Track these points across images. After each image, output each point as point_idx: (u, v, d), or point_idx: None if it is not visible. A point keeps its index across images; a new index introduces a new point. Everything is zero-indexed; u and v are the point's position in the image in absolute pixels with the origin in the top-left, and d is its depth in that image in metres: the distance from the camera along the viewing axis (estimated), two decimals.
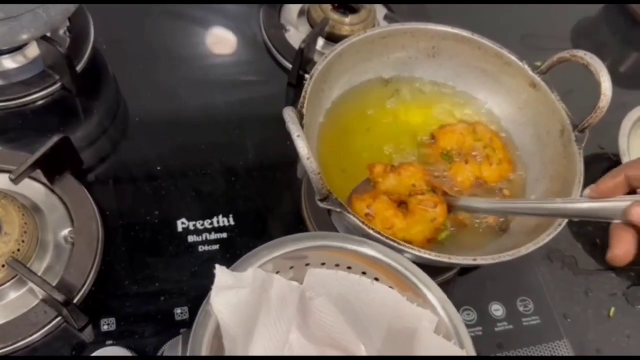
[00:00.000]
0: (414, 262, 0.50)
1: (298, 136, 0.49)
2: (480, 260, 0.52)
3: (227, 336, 0.43)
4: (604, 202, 0.47)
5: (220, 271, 0.44)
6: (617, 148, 0.80)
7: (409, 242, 0.52)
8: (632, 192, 0.48)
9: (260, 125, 0.78)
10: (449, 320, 0.47)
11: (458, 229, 0.62)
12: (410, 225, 0.55)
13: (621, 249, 0.45)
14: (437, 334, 0.46)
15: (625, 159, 0.77)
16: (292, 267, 0.50)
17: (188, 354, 0.42)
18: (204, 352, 0.42)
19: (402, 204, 0.59)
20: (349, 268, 0.51)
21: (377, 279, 0.50)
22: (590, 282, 0.75)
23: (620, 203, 0.46)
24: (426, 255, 0.51)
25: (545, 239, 0.54)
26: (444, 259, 0.52)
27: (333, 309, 0.49)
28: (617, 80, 1.00)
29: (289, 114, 0.50)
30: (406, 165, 0.59)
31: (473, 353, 0.45)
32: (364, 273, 0.51)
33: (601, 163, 0.87)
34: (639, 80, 1.04)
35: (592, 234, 0.79)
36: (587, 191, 0.49)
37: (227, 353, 0.43)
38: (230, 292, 0.43)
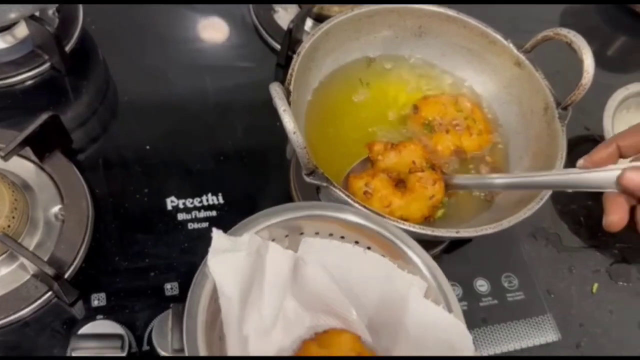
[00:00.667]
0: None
1: (284, 110, 0.50)
2: (463, 233, 0.53)
3: (223, 295, 0.44)
4: (597, 171, 0.49)
5: (217, 234, 0.44)
6: (602, 129, 0.81)
7: (406, 220, 0.52)
8: None
9: (249, 105, 0.79)
10: (437, 285, 0.48)
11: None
12: (409, 202, 0.56)
13: (616, 215, 0.47)
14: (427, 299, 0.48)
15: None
16: (287, 236, 0.51)
17: (185, 314, 0.42)
18: (201, 313, 0.42)
19: (399, 183, 0.59)
20: (342, 237, 0.52)
21: (369, 248, 0.51)
22: (574, 259, 0.76)
23: (612, 172, 0.47)
24: (410, 228, 0.52)
25: (526, 212, 0.55)
26: (427, 231, 0.53)
27: (326, 276, 0.50)
28: (605, 63, 1.03)
29: (276, 89, 0.51)
30: (406, 143, 0.59)
31: (461, 317, 0.46)
32: (356, 242, 0.52)
33: (587, 143, 0.88)
34: (625, 63, 1.05)
35: (576, 212, 0.80)
36: (581, 162, 0.50)
37: (223, 312, 0.44)
38: (226, 255, 0.44)
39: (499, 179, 0.59)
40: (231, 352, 0.44)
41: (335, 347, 0.48)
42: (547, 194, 0.56)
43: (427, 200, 0.56)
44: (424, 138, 0.67)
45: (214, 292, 0.44)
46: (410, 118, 0.68)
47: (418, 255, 0.49)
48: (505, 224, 0.54)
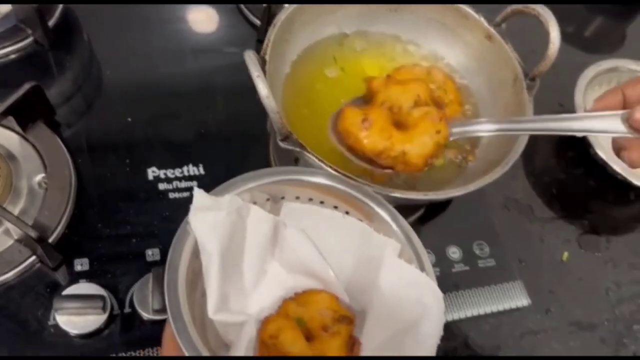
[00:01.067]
0: None
1: (257, 76, 0.51)
2: (431, 195, 0.55)
3: (204, 251, 0.45)
4: (603, 114, 0.50)
5: (198, 193, 0.46)
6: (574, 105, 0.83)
7: (408, 155, 0.50)
8: None
9: (231, 82, 0.80)
10: (410, 246, 0.50)
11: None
12: (413, 136, 0.52)
13: (636, 151, 0.49)
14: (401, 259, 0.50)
15: (580, 112, 0.80)
16: (268, 200, 0.53)
17: (166, 270, 0.43)
18: (182, 267, 0.44)
19: (398, 125, 0.55)
20: (322, 202, 0.54)
21: (347, 213, 0.53)
22: (545, 229, 0.79)
23: (618, 114, 0.49)
24: (381, 191, 0.54)
25: (492, 176, 0.57)
26: (397, 193, 0.55)
27: (306, 239, 0.52)
28: (581, 43, 1.05)
29: (250, 56, 0.53)
30: (410, 78, 0.55)
31: (432, 275, 0.48)
32: (335, 207, 0.54)
33: None
34: (601, 43, 1.07)
35: (548, 184, 0.83)
36: (590, 105, 0.53)
37: (204, 267, 0.45)
38: (207, 212, 0.45)
39: (507, 124, 0.60)
40: (211, 309, 0.46)
41: (313, 306, 0.49)
42: (511, 161, 0.59)
43: (433, 134, 0.52)
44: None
45: (195, 249, 0.45)
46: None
47: (392, 217, 0.51)
48: (471, 187, 0.56)
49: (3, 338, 0.57)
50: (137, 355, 0.58)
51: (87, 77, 0.77)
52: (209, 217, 0.46)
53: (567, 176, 0.85)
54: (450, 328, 0.68)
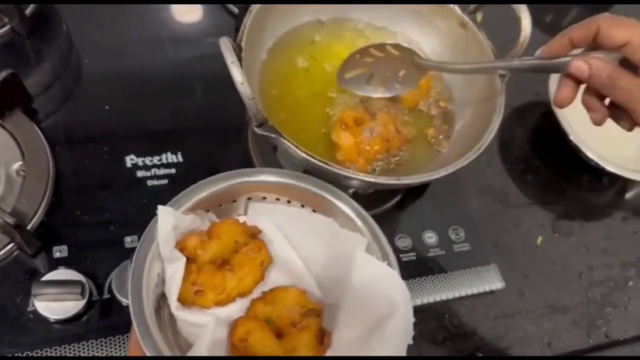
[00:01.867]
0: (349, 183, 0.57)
1: (232, 62, 0.52)
2: (404, 180, 0.56)
3: (171, 259, 0.47)
4: (550, 59, 0.57)
5: (162, 211, 0.47)
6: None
7: (242, 295, 0.51)
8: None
9: (209, 68, 0.80)
10: (375, 240, 0.51)
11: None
12: (242, 278, 0.51)
13: (565, 92, 0.55)
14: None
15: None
16: (234, 201, 0.54)
17: (129, 278, 0.45)
18: (146, 275, 0.45)
19: (224, 265, 0.52)
20: (289, 201, 0.55)
21: (314, 211, 0.55)
22: (520, 215, 0.80)
23: (562, 58, 0.55)
24: (355, 176, 0.55)
25: (465, 160, 0.58)
26: (371, 178, 0.56)
27: (276, 231, 0.53)
28: (558, 32, 1.06)
29: (224, 42, 0.53)
30: (220, 225, 0.52)
31: (395, 266, 0.49)
32: (302, 206, 0.55)
33: (536, 108, 0.92)
34: None
35: (523, 170, 0.85)
36: (538, 51, 0.58)
37: (169, 273, 0.47)
38: (172, 233, 0.47)
39: (465, 65, 0.65)
40: (174, 305, 0.46)
41: (280, 303, 0.50)
42: (485, 144, 0.60)
43: (258, 267, 0.52)
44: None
45: (159, 254, 0.47)
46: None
47: (357, 214, 0.53)
48: (443, 171, 0.57)
49: None
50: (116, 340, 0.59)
51: (66, 65, 0.77)
52: (174, 237, 0.48)
53: (542, 163, 0.86)
54: (426, 311, 0.69)
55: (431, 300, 0.69)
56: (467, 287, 0.71)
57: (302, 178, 0.53)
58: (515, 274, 0.75)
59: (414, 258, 0.71)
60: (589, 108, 0.55)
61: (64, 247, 0.63)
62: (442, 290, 0.70)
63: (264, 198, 0.55)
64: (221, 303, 0.49)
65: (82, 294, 0.57)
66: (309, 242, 0.53)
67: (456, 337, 0.69)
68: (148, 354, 0.42)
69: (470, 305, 0.71)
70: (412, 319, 0.45)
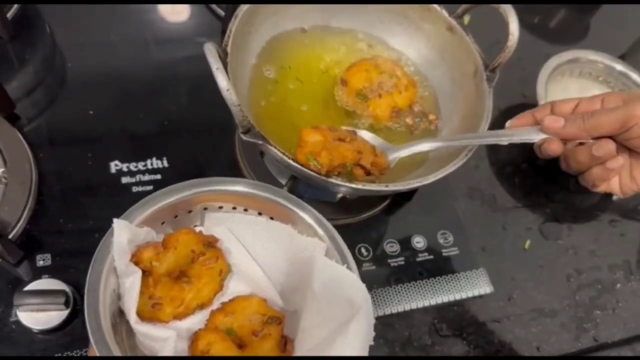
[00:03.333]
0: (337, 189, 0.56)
1: (217, 69, 0.51)
2: (392, 187, 0.56)
3: (127, 273, 0.47)
4: (521, 130, 0.64)
5: (117, 224, 0.47)
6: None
7: (201, 306, 0.50)
8: None
9: (195, 71, 0.79)
10: (334, 245, 0.52)
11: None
12: (200, 289, 0.50)
13: (553, 143, 0.62)
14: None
15: (541, 103, 0.82)
16: (190, 212, 0.54)
17: (86, 294, 0.44)
18: (102, 285, 0.45)
19: (180, 277, 0.51)
20: (246, 210, 0.55)
21: (272, 218, 0.55)
22: (508, 218, 0.80)
23: (533, 128, 0.64)
24: (343, 184, 0.55)
25: (451, 167, 0.58)
26: (358, 185, 0.55)
27: (234, 240, 0.53)
28: (545, 34, 1.06)
29: (209, 48, 0.53)
30: (176, 235, 0.52)
31: (355, 269, 0.50)
32: (259, 213, 0.55)
33: (524, 110, 0.91)
34: (564, 34, 1.09)
35: (511, 174, 0.85)
36: (508, 123, 0.66)
37: (125, 287, 0.47)
38: (127, 247, 0.47)
39: (438, 142, 0.62)
40: (132, 318, 0.46)
41: (240, 313, 0.50)
42: (471, 151, 0.60)
43: (217, 277, 0.51)
44: (362, 107, 0.69)
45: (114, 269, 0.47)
46: (343, 92, 0.69)
47: (315, 220, 0.53)
48: (431, 178, 0.57)
49: None
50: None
51: (49, 69, 0.76)
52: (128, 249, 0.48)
53: (530, 166, 0.86)
54: (415, 315, 0.69)
55: (420, 305, 0.69)
56: (456, 291, 0.71)
57: (258, 186, 0.53)
58: (503, 278, 0.75)
59: (403, 263, 0.71)
60: (548, 142, 0.63)
61: (48, 256, 0.62)
62: (431, 296, 0.70)
63: (221, 207, 0.55)
64: (180, 316, 0.49)
65: (66, 303, 0.57)
66: (268, 249, 0.54)
67: (445, 342, 0.69)
68: None
69: (459, 309, 0.71)
70: (373, 320, 0.46)
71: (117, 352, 0.42)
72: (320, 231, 0.52)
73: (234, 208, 0.54)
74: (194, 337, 0.48)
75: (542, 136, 0.62)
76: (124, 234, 0.47)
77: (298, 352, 0.48)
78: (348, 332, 0.44)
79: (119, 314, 0.48)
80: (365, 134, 0.63)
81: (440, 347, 0.68)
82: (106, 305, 0.45)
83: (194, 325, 0.49)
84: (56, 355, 0.57)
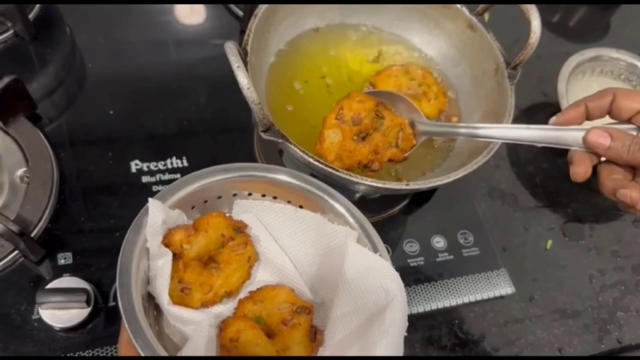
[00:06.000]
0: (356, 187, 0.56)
1: (238, 67, 0.51)
2: (413, 185, 0.56)
3: (160, 254, 0.47)
4: (565, 129, 0.54)
5: (153, 204, 0.47)
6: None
7: (229, 294, 0.50)
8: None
9: (214, 71, 0.80)
10: (365, 234, 0.51)
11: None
12: (229, 275, 0.50)
13: (582, 167, 0.52)
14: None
15: (563, 102, 0.81)
16: (219, 197, 0.53)
17: (118, 274, 0.44)
18: (134, 270, 0.44)
19: (209, 262, 0.51)
20: (275, 198, 0.54)
21: (301, 207, 0.54)
22: (529, 218, 0.79)
23: (579, 132, 0.53)
24: (363, 182, 0.55)
25: (473, 166, 0.57)
26: (379, 184, 0.55)
27: (262, 228, 0.53)
28: (566, 33, 1.05)
29: (230, 47, 0.53)
30: (207, 218, 0.51)
31: (387, 258, 0.49)
32: (288, 202, 0.54)
33: (545, 109, 0.91)
34: (584, 32, 1.08)
35: (532, 173, 0.84)
36: (553, 119, 0.54)
37: (159, 268, 0.46)
38: (161, 228, 0.47)
39: (469, 129, 0.58)
40: (165, 300, 0.46)
41: (268, 301, 0.50)
42: (492, 150, 0.59)
43: (245, 264, 0.51)
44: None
45: (146, 251, 0.47)
46: None
47: (346, 209, 0.52)
48: (452, 176, 0.56)
49: None
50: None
51: (69, 70, 0.76)
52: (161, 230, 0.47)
53: (551, 165, 0.85)
54: (435, 316, 0.68)
55: (440, 306, 0.68)
56: (476, 292, 0.70)
57: (289, 174, 0.53)
58: (524, 279, 0.74)
59: (423, 263, 0.70)
60: (578, 162, 0.53)
61: (69, 254, 0.62)
62: (451, 296, 0.69)
63: (249, 195, 0.54)
64: (208, 303, 0.48)
65: (87, 301, 0.57)
66: (297, 239, 0.53)
67: (465, 343, 0.68)
68: (141, 353, 0.41)
69: (480, 310, 0.70)
70: (407, 309, 0.45)
71: (149, 333, 0.41)
72: (351, 220, 0.51)
73: (263, 195, 0.54)
74: (223, 325, 0.47)
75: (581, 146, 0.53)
76: (158, 213, 0.46)
77: (329, 342, 0.48)
78: (384, 320, 0.44)
79: (147, 298, 0.47)
80: (402, 103, 0.62)
81: (461, 348, 0.68)
82: (138, 286, 0.44)
83: (222, 313, 0.49)
84: (77, 353, 0.57)
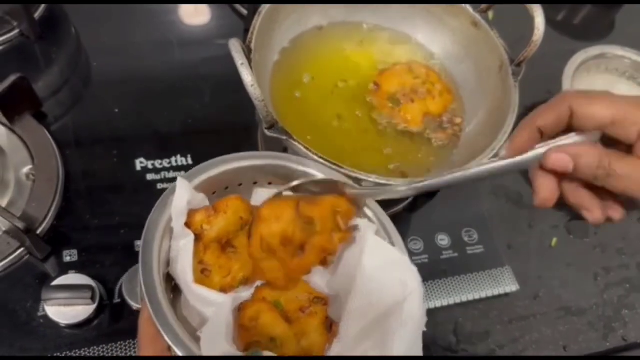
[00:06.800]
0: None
1: (242, 64, 0.51)
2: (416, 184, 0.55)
3: (183, 234, 0.47)
4: (521, 157, 0.44)
5: (181, 182, 0.48)
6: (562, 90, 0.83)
7: (245, 280, 0.49)
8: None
9: (218, 70, 0.80)
10: (382, 227, 0.51)
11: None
12: (247, 260, 0.49)
13: (546, 191, 0.44)
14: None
15: None
16: (240, 185, 0.54)
17: (141, 253, 0.44)
18: (157, 243, 0.45)
19: (226, 247, 0.51)
20: (295, 191, 0.54)
21: None
22: (534, 215, 0.79)
23: (536, 152, 0.43)
24: (367, 178, 0.54)
25: (482, 160, 0.57)
26: (382, 181, 0.55)
27: None
28: (570, 30, 1.05)
29: (234, 44, 0.53)
30: (226, 200, 0.50)
31: (405, 252, 0.49)
32: (309, 192, 0.54)
33: None
34: (589, 30, 1.07)
35: None
36: (503, 151, 0.46)
37: (182, 248, 0.47)
38: (185, 208, 0.47)
39: (422, 183, 0.50)
40: (190, 278, 0.46)
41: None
42: (499, 145, 0.59)
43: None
44: (392, 111, 0.68)
45: (168, 233, 0.47)
46: (374, 95, 0.69)
47: (365, 203, 0.52)
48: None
49: None
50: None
51: (75, 69, 0.77)
52: (185, 209, 0.48)
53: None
54: (439, 314, 0.68)
55: (444, 303, 0.68)
56: (480, 290, 0.70)
57: (309, 164, 0.53)
58: (529, 276, 0.73)
59: (427, 261, 0.70)
60: (580, 207, 0.44)
61: (74, 252, 0.62)
62: (455, 294, 0.69)
63: (270, 183, 0.55)
64: (226, 288, 0.48)
65: (93, 298, 0.57)
66: None
67: (470, 341, 0.68)
68: (161, 330, 0.41)
69: (484, 308, 0.70)
70: (425, 304, 0.45)
71: (170, 311, 0.41)
72: (369, 212, 0.52)
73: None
74: (243, 307, 0.47)
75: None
76: (185, 194, 0.47)
77: (344, 334, 0.47)
78: (402, 313, 0.44)
79: (166, 280, 0.47)
80: (324, 183, 0.54)
81: (465, 346, 0.68)
82: (160, 265, 0.44)
83: (237, 300, 0.49)
84: (83, 349, 0.57)
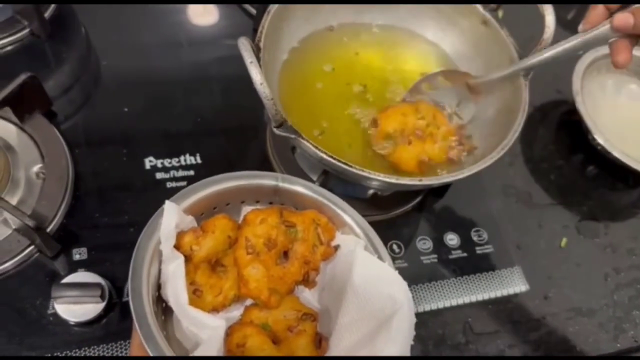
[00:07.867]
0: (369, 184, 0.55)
1: (251, 62, 0.52)
2: (425, 181, 0.55)
3: (173, 258, 0.47)
4: (595, 30, 0.56)
5: (169, 206, 0.48)
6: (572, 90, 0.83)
7: (239, 297, 0.49)
8: None
9: (227, 70, 0.80)
10: (370, 243, 0.51)
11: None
12: (237, 276, 0.50)
13: (622, 54, 0.56)
14: None
15: (578, 98, 0.80)
16: (228, 204, 0.54)
17: (130, 278, 0.44)
18: (145, 268, 0.45)
19: (216, 266, 0.51)
20: (282, 204, 0.55)
21: None
22: (544, 215, 0.79)
23: (604, 27, 0.56)
24: (376, 177, 0.54)
25: (485, 163, 0.57)
26: (392, 179, 0.55)
27: None
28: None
29: (243, 43, 0.53)
30: (213, 220, 0.51)
31: (392, 265, 0.50)
32: (296, 209, 0.54)
33: (559, 106, 0.91)
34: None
35: (546, 171, 0.83)
36: (580, 27, 0.59)
37: (173, 273, 0.47)
38: (174, 231, 0.47)
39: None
40: (185, 299, 0.46)
41: (275, 309, 0.50)
42: (506, 147, 0.58)
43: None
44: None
45: (158, 256, 0.47)
46: (373, 132, 0.66)
47: (351, 217, 0.53)
48: (466, 172, 0.56)
49: (2, 327, 0.57)
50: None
51: (84, 68, 0.77)
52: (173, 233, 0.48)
53: (566, 162, 0.85)
54: (449, 314, 0.68)
55: (453, 303, 0.68)
56: (490, 289, 0.70)
57: (296, 182, 0.53)
58: (539, 277, 0.73)
59: (436, 260, 0.70)
60: (616, 51, 0.56)
61: (84, 250, 0.63)
62: (465, 294, 0.69)
63: (257, 202, 0.55)
64: (218, 307, 0.49)
65: (102, 296, 0.57)
66: None
67: (479, 341, 0.68)
68: (152, 355, 0.41)
69: (494, 308, 0.70)
70: (414, 319, 0.46)
71: (160, 337, 0.42)
72: (357, 229, 0.52)
73: (271, 203, 0.54)
74: (230, 331, 0.48)
75: (615, 36, 0.56)
76: (173, 217, 0.47)
77: (335, 350, 0.48)
78: (391, 328, 0.44)
79: (157, 302, 0.47)
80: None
81: (475, 346, 0.67)
82: (149, 290, 0.45)
83: (229, 320, 0.49)
84: (92, 347, 0.58)
